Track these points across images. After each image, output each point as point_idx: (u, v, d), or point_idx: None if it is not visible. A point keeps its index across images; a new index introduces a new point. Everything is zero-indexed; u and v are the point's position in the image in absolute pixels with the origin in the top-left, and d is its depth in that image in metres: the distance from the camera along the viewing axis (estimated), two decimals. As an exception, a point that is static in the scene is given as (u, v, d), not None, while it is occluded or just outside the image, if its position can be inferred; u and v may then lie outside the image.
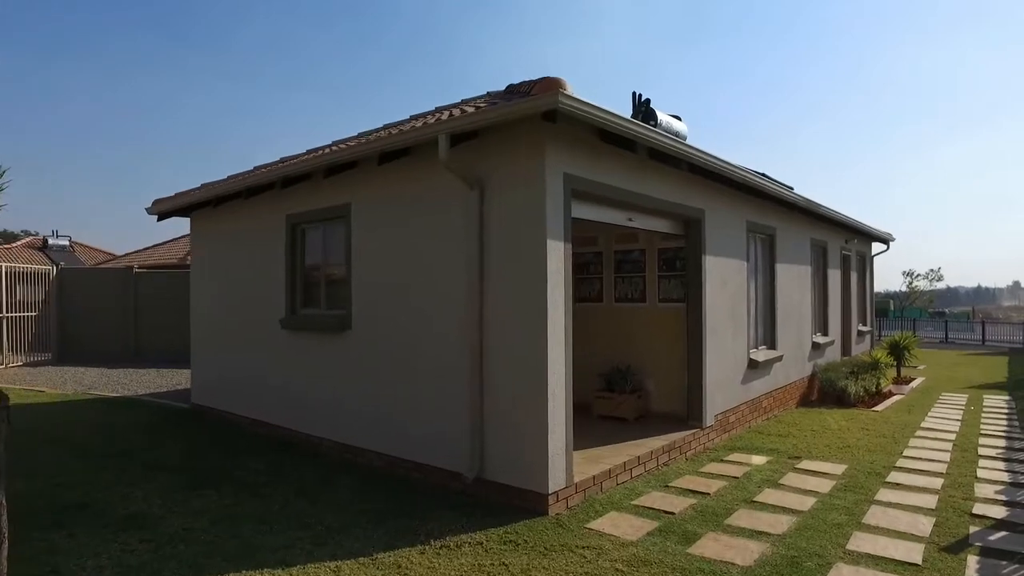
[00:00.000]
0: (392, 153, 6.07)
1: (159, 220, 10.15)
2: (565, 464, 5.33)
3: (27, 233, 47.78)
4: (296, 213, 7.82)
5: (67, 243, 31.58)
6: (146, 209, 9.94)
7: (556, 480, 5.22)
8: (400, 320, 6.50)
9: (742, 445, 7.60)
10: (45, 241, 30.99)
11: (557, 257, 5.26)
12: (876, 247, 16.89)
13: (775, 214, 9.66)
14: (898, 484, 5.96)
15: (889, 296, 46.54)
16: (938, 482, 6.01)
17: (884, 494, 5.66)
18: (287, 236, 7.94)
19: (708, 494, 5.68)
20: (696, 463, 6.80)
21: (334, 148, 7.20)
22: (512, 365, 5.43)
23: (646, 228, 6.94)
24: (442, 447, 5.94)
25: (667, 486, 5.94)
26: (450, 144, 5.32)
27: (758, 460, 6.87)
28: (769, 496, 5.60)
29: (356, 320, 6.94)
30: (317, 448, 7.33)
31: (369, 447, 6.75)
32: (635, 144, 5.74)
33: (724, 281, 8.03)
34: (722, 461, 6.88)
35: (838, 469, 6.47)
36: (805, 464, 6.67)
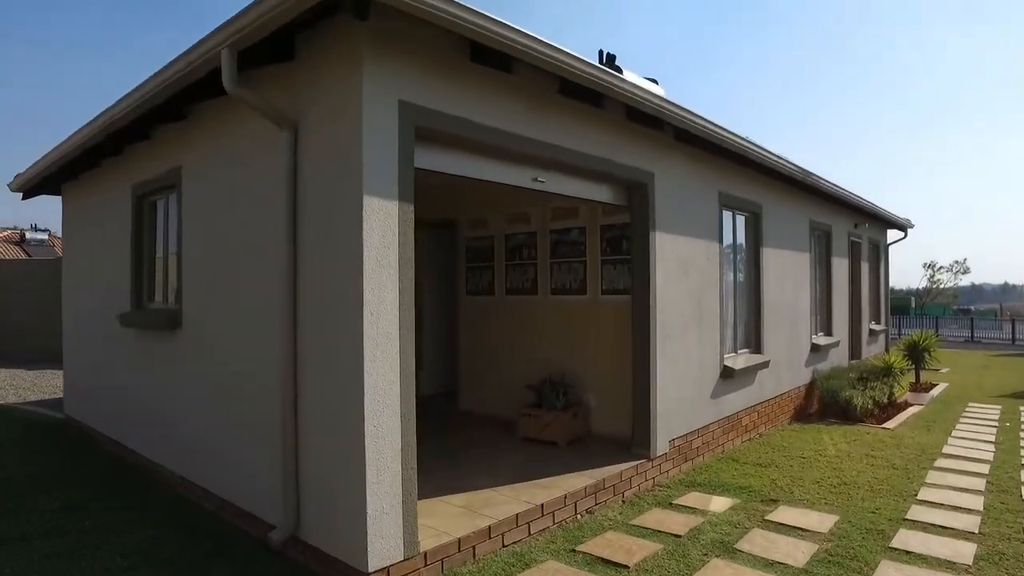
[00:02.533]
0: (197, 89, 4.36)
1: (24, 198, 8.58)
2: (402, 525, 3.61)
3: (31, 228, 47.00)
4: (140, 182, 6.17)
5: (46, 237, 30.71)
6: (8, 186, 8.38)
7: (384, 549, 3.50)
8: (223, 318, 4.82)
9: (705, 479, 5.81)
10: (23, 235, 30.10)
11: (383, 228, 3.53)
12: (892, 235, 14.91)
13: (761, 187, 7.83)
14: (908, 552, 4.14)
15: (910, 293, 43.89)
16: (968, 550, 4.18)
17: (887, 572, 3.86)
18: (132, 211, 6.30)
19: (627, 568, 3.92)
20: (633, 509, 5.03)
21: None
22: (325, 386, 3.73)
23: (564, 193, 5.17)
24: (261, 492, 4.26)
25: (575, 550, 4.19)
26: (237, 63, 3.62)
27: (719, 505, 5.08)
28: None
29: (187, 318, 5.27)
30: (156, 478, 5.69)
31: (197, 482, 5.11)
32: (535, 71, 4.00)
33: (684, 267, 6.24)
34: (669, 506, 5.11)
35: (825, 523, 4.66)
36: (781, 513, 4.87)
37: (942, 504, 5.05)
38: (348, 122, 3.53)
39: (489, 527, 4.15)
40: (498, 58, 3.92)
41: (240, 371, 4.54)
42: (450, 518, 4.25)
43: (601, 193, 5.57)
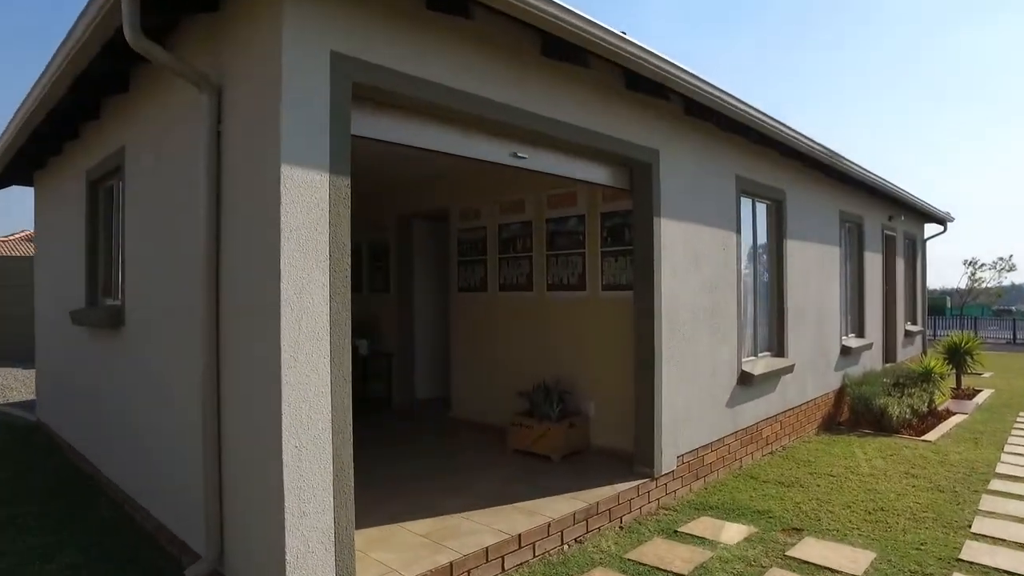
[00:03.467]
0: (118, 52, 3.75)
1: (-3, 190, 8.13)
2: (334, 566, 2.96)
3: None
4: (92, 166, 5.63)
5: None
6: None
7: (311, 601, 2.86)
8: (158, 317, 4.23)
9: (718, 501, 5.08)
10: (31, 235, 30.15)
11: (309, 205, 2.88)
12: (929, 229, 13.91)
13: (785, 171, 7.05)
14: (961, 603, 3.38)
15: (945, 293, 42.05)
16: (1035, 600, 3.41)
17: (935, 631, 3.11)
18: (86, 199, 5.76)
19: (614, 619, 3.23)
20: (631, 538, 4.33)
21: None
22: (243, 399, 3.11)
23: (552, 172, 4.48)
24: (190, 517, 3.66)
25: (555, 594, 3.51)
26: (144, 13, 3.01)
27: (732, 535, 4.36)
28: (720, 630, 3.12)
29: (129, 316, 4.70)
30: (106, 492, 5.16)
31: (139, 500, 4.54)
32: (509, 23, 3.32)
33: (696, 260, 5.51)
34: (674, 535, 4.39)
35: (860, 562, 3.91)
36: (807, 547, 4.13)
37: (1003, 540, 4.25)
38: (266, 77, 2.90)
39: (451, 563, 3.49)
40: (459, 5, 3.26)
41: (169, 378, 3.94)
42: (406, 550, 3.60)
43: (597, 173, 4.87)
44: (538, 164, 4.33)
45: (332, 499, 2.96)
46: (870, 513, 4.72)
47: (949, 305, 35.00)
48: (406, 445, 6.16)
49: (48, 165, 7.06)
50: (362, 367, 7.92)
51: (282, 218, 2.78)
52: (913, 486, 5.37)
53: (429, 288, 8.21)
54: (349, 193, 3.04)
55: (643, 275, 5.09)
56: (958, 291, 41.94)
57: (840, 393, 8.43)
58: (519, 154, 4.15)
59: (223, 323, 3.24)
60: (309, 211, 2.88)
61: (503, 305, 6.68)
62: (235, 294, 3.17)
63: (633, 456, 5.15)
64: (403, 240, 8.04)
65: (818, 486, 5.42)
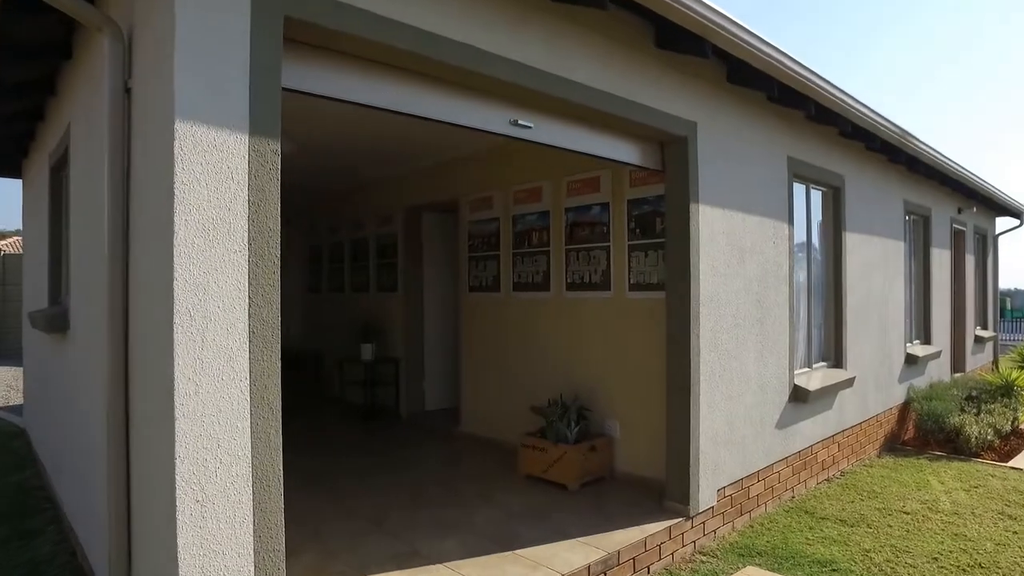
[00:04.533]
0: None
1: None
2: (255, 667, 2.21)
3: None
4: (52, 150, 5.03)
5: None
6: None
7: None
8: (86, 319, 3.56)
9: (767, 545, 4.20)
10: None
11: (217, 176, 2.14)
12: (1001, 223, 12.61)
13: (842, 153, 6.10)
14: None
15: (1006, 294, 39.64)
16: None
17: None
18: (48, 188, 5.17)
19: None
20: (660, 598, 3.50)
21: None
22: (142, 427, 2.38)
23: (563, 146, 3.66)
24: (103, 561, 2.96)
25: None
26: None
27: (787, 595, 3.49)
28: None
29: (73, 318, 4.05)
30: (60, 516, 4.54)
31: (79, 532, 3.89)
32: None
33: (740, 254, 4.63)
34: (714, 594, 3.55)
35: (956, 642, 3.01)
36: (883, 617, 3.25)
37: None
38: (163, 7, 2.16)
39: (424, 643, 2.72)
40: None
41: (89, 392, 3.27)
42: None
43: (622, 150, 4.04)
44: (547, 136, 3.52)
45: (254, 568, 2.22)
46: (965, 572, 3.79)
47: (1009, 307, 32.89)
48: (404, 465, 5.41)
49: (29, 152, 6.55)
50: (368, 373, 7.23)
51: (176, 192, 2.04)
52: (1015, 532, 4.40)
53: (441, 287, 7.47)
54: (278, 163, 2.29)
55: (678, 272, 4.24)
56: (1018, 291, 39.59)
57: (904, 408, 7.41)
58: (521, 122, 3.35)
59: (131, 329, 2.53)
60: (218, 185, 2.13)
61: (517, 307, 5.89)
62: (138, 293, 2.45)
63: (664, 488, 4.31)
64: (412, 235, 7.31)
65: (890, 527, 4.49)
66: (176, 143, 2.04)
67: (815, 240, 6.00)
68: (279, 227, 2.29)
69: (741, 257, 4.64)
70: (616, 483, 4.88)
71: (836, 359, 6.10)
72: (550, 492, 4.64)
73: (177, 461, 2.03)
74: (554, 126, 3.56)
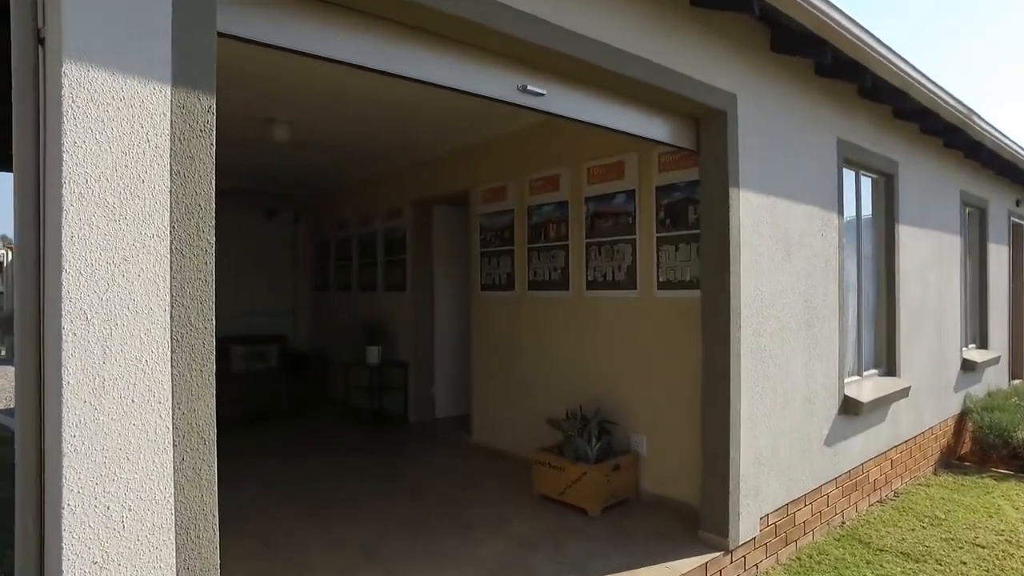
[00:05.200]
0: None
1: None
2: None
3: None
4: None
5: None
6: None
7: None
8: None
9: (819, 584, 3.63)
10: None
11: (126, 137, 1.64)
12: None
13: (896, 136, 5.46)
14: None
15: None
16: None
17: None
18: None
19: None
20: (696, 652, 2.95)
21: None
22: (48, 453, 1.90)
23: (581, 119, 3.13)
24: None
25: None
26: None
27: (848, 652, 2.92)
28: None
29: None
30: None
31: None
32: None
33: (785, 246, 4.06)
34: (760, 648, 2.99)
35: None
36: None
37: None
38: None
39: None
40: None
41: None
42: None
43: (650, 126, 3.49)
44: (561, 105, 2.99)
45: (180, 642, 1.72)
46: (1064, 626, 3.18)
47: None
48: (407, 481, 4.92)
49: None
50: (374, 377, 6.76)
51: (66, 158, 1.56)
52: (1111, 573, 3.77)
53: (452, 286, 6.97)
54: (212, 124, 1.79)
55: (714, 268, 3.68)
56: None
57: (961, 419, 6.73)
58: (531, 87, 2.82)
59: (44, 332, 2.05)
60: (127, 149, 1.64)
61: (533, 307, 5.37)
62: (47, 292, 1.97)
63: (699, 516, 3.75)
64: (421, 229, 6.83)
65: (963, 564, 3.88)
66: (65, 93, 1.55)
67: (865, 233, 5.37)
68: (213, 205, 1.80)
69: (787, 250, 4.06)
70: (643, 506, 4.33)
71: (888, 366, 5.47)
72: (568, 517, 4.11)
73: (65, 511, 1.54)
74: (570, 95, 3.03)
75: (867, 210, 5.41)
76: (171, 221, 1.70)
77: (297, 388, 7.34)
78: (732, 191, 3.62)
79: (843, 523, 4.60)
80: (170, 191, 1.70)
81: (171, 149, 1.70)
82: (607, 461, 4.26)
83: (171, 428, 1.70)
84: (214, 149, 1.79)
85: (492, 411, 5.79)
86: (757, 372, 3.78)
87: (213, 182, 1.80)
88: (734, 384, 3.62)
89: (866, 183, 5.36)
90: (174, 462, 1.70)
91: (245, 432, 6.60)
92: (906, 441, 5.57)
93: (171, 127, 1.70)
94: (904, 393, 5.30)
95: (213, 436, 1.78)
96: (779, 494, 3.98)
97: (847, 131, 4.75)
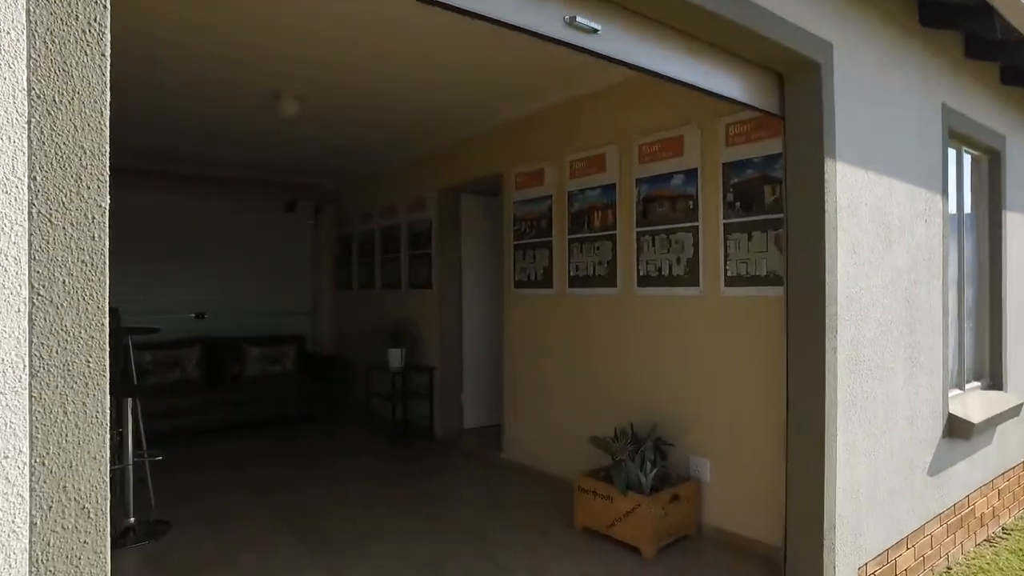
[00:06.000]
0: None
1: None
2: None
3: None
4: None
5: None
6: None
7: None
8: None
9: (937, 656, 2.88)
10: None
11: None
12: None
13: (1004, 105, 4.64)
14: None
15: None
16: None
17: None
18: None
19: None
20: None
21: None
22: None
23: (641, 65, 2.44)
24: None
25: None
26: None
27: None
28: None
29: None
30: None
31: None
32: None
33: (887, 233, 3.31)
34: None
35: None
36: None
37: None
38: None
39: None
40: None
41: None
42: None
43: (723, 80, 2.79)
44: (617, 47, 2.32)
45: None
46: None
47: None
48: (429, 506, 4.31)
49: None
50: (397, 384, 6.17)
51: None
52: None
53: (482, 283, 6.34)
54: (107, 20, 1.17)
55: (804, 259, 2.96)
56: None
57: (1067, 437, 5.83)
58: (580, 20, 2.16)
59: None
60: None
61: (574, 307, 4.70)
62: None
63: (783, 562, 3.04)
64: (448, 221, 6.21)
65: (1119, 632, 3.08)
66: None
67: (966, 220, 4.57)
68: (106, 150, 1.18)
69: (887, 239, 3.32)
70: (706, 544, 3.63)
71: (993, 377, 4.66)
72: (617, 556, 3.43)
73: None
74: (628, 34, 2.35)
75: (968, 193, 4.60)
76: (30, 170, 1.09)
77: (315, 393, 6.80)
78: (828, 164, 2.90)
79: (948, 568, 3.83)
80: (28, 122, 1.09)
81: (28, 55, 1.08)
82: (664, 491, 3.57)
83: (25, 498, 1.08)
84: (108, 63, 1.17)
85: (526, 424, 5.14)
86: (855, 387, 3.05)
87: (106, 115, 1.18)
88: (829, 402, 2.89)
89: (967, 160, 4.55)
90: (30, 556, 1.08)
91: (253, 438, 6.08)
92: (1013, 467, 4.74)
93: (27, 18, 1.08)
94: (1016, 411, 4.47)
95: (104, 508, 1.16)
96: (879, 537, 3.24)
97: (952, 97, 3.96)
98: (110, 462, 1.20)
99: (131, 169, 6.83)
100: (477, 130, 5.60)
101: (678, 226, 3.95)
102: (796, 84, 2.96)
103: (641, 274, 4.18)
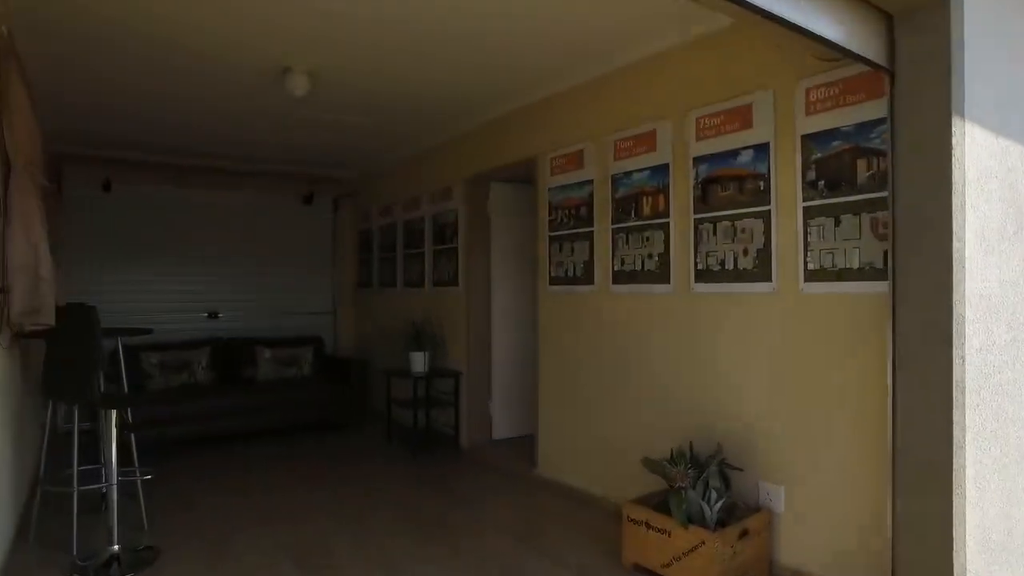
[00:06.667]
0: None
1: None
2: None
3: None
4: None
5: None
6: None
7: None
8: None
9: None
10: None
11: None
12: None
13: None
14: None
15: None
16: None
17: None
18: None
19: None
20: None
21: None
22: None
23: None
24: None
25: None
26: None
27: None
28: None
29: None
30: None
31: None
32: None
33: (1017, 215, 2.68)
34: None
35: None
36: None
37: None
38: None
39: None
40: None
41: None
42: None
43: (814, 17, 2.21)
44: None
45: None
46: None
47: None
48: (453, 541, 3.78)
49: None
50: (420, 389, 5.66)
51: None
52: None
53: (513, 279, 5.81)
54: None
55: (918, 247, 2.37)
56: None
57: None
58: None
59: None
60: None
61: (619, 306, 4.13)
62: None
63: (893, 631, 2.44)
64: (476, 211, 5.68)
65: None
66: None
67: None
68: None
69: (1018, 222, 2.69)
70: (785, 591, 3.04)
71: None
72: (678, 606, 2.86)
73: None
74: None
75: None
76: None
77: (332, 399, 6.33)
78: (956, 125, 2.30)
79: (1076, 621, 3.17)
80: None
81: None
82: (732, 526, 2.99)
83: None
84: None
85: (563, 437, 4.58)
86: (984, 411, 2.44)
87: None
88: (957, 426, 2.30)
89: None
90: None
91: (263, 447, 5.64)
92: None
93: None
94: None
95: None
96: (1012, 591, 2.62)
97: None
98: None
99: (136, 162, 6.45)
100: (508, 111, 5.06)
101: (745, 211, 3.36)
102: (912, 26, 2.37)
103: (700, 268, 3.60)
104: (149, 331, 3.91)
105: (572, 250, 4.46)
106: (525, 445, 5.40)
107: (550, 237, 4.67)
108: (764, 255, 3.27)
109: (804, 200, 3.10)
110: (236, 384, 6.19)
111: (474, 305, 5.67)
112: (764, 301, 3.28)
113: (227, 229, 6.96)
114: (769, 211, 3.25)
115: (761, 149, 3.29)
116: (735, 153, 3.41)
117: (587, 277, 4.34)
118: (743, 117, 3.38)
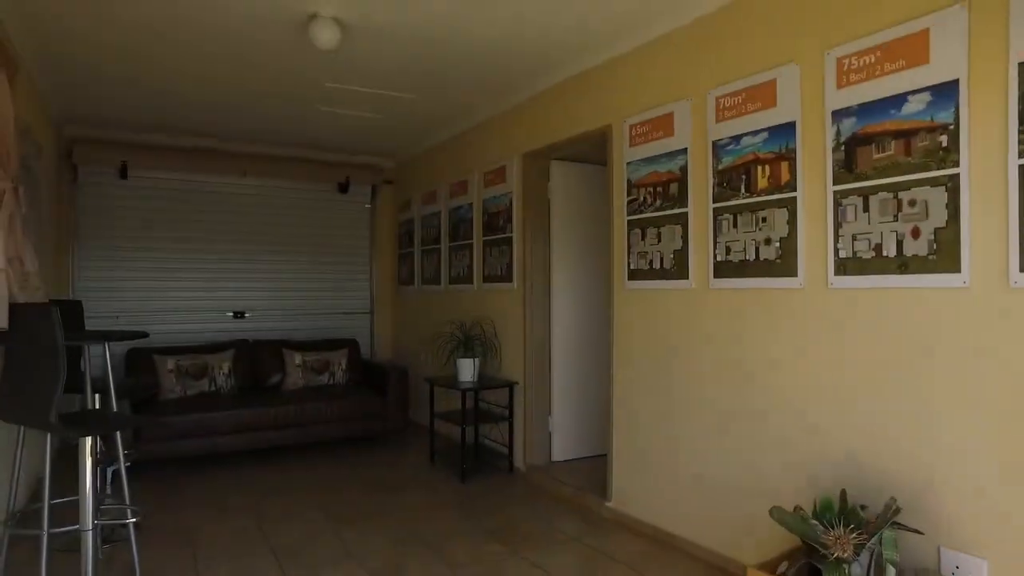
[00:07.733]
0: None
1: None
2: None
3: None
4: None
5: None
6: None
7: None
8: None
9: None
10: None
11: None
12: None
13: None
14: None
15: None
16: None
17: None
18: None
19: None
20: None
21: None
22: None
23: None
24: None
25: None
26: None
27: None
28: None
29: None
30: None
31: None
32: None
33: None
34: None
35: None
36: None
37: None
38: None
39: None
40: None
41: None
42: None
43: None
44: None
45: None
46: None
47: None
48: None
49: None
50: (468, 402, 4.90)
51: None
52: None
53: (578, 274, 5.00)
54: None
55: None
56: None
57: None
58: None
59: None
60: None
61: (721, 306, 3.28)
62: None
63: None
64: (534, 195, 4.88)
65: None
66: None
67: None
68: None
69: None
70: None
71: None
72: None
73: None
74: None
75: None
76: None
77: (369, 410, 5.61)
78: None
79: None
80: None
81: None
82: (918, 615, 2.12)
83: None
84: None
85: (645, 467, 3.74)
86: None
87: None
88: None
89: None
90: None
91: (287, 469, 4.95)
92: None
93: None
94: None
95: None
96: None
97: None
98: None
99: (155, 146, 5.85)
100: (579, 71, 4.25)
101: (916, 177, 2.48)
102: None
103: (842, 255, 2.72)
104: (144, 335, 3.23)
105: (658, 237, 3.62)
106: (589, 469, 4.59)
107: (629, 222, 3.84)
108: (946, 237, 2.38)
109: (1021, 157, 2.21)
110: (261, 393, 5.51)
111: (531, 304, 4.87)
112: (946, 301, 2.39)
113: (255, 220, 6.32)
114: (956, 175, 2.36)
115: (942, 91, 2.40)
116: (900, 100, 2.53)
117: (679, 270, 3.50)
118: (912, 50, 2.49)
